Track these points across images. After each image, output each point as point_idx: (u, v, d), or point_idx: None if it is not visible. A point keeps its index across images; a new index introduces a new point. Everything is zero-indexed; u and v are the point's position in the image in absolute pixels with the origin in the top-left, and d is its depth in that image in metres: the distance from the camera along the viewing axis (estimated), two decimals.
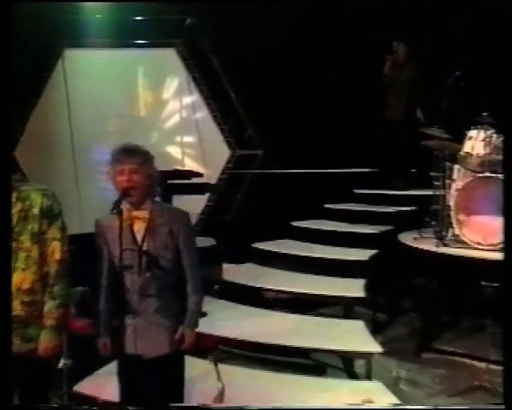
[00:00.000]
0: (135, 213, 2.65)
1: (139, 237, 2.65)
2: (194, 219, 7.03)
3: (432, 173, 5.28)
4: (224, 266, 5.26)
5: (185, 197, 5.54)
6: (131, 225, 2.65)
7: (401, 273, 4.82)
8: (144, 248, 2.64)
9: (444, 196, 4.94)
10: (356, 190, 6.44)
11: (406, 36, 6.20)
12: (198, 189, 5.81)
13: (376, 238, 5.24)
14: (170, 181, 5.75)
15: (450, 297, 4.66)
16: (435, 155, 5.22)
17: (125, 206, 2.64)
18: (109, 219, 2.63)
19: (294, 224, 5.93)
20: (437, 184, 5.21)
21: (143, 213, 2.65)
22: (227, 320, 4.32)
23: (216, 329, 4.07)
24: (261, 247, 5.52)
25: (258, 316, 4.39)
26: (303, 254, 5.15)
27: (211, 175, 7.00)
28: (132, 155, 2.63)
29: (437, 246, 4.49)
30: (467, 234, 4.42)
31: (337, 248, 5.27)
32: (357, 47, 6.49)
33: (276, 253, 5.32)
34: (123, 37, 6.79)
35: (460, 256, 4.26)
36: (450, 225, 4.74)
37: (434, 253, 4.43)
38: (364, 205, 6.10)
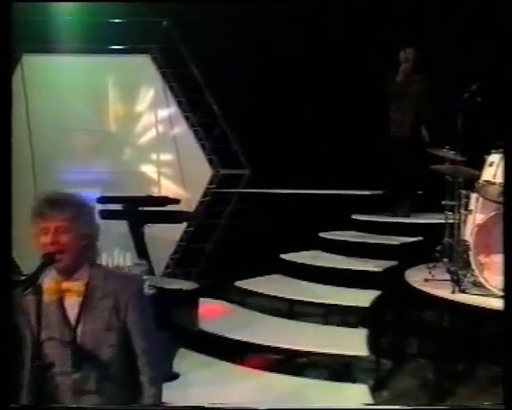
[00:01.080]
0: (65, 284, 2.02)
1: (72, 317, 2.04)
2: (171, 248, 6.48)
3: (444, 202, 4.74)
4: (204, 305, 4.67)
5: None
6: (61, 301, 2.03)
7: (410, 322, 4.24)
8: (79, 332, 2.02)
9: (458, 228, 4.39)
10: (354, 216, 5.87)
11: (416, 42, 5.63)
12: (174, 217, 5.24)
13: (378, 277, 4.65)
14: (142, 208, 5.19)
15: (467, 348, 4.08)
16: (447, 181, 4.69)
17: (51, 275, 2.02)
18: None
19: (284, 257, 5.33)
20: (449, 214, 4.67)
21: (77, 285, 2.03)
22: (204, 384, 3.69)
23: (188, 398, 3.44)
24: (248, 287, 4.90)
25: (242, 378, 3.77)
26: (294, 297, 4.54)
27: (191, 198, 6.43)
28: (59, 208, 1.99)
29: (453, 292, 3.91)
30: (489, 279, 3.84)
31: (333, 287, 4.68)
32: (355, 54, 6.06)
33: (266, 294, 4.70)
34: (91, 41, 6.18)
35: (480, 307, 3.67)
36: (469, 265, 4.17)
37: (450, 301, 3.84)
38: (364, 234, 5.51)
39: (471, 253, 3.94)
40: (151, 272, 4.84)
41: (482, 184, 4.09)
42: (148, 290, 3.54)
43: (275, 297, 4.60)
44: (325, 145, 6.43)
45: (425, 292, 4.06)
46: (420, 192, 6.05)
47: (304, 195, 6.49)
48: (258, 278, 5.20)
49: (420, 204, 6.01)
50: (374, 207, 6.09)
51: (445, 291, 3.98)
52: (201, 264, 6.39)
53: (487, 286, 3.86)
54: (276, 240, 5.79)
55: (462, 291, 3.93)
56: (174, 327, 4.15)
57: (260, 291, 4.74)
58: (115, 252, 3.78)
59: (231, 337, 4.07)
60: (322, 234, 5.63)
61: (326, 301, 4.41)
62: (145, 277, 3.76)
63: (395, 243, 5.03)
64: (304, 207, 6.26)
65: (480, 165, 4.44)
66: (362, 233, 5.58)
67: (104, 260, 3.74)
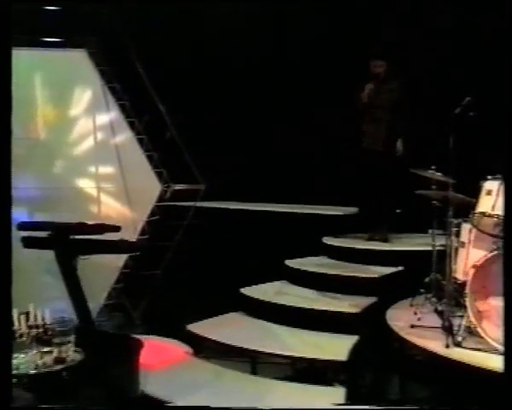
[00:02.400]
0: None
1: None
2: (114, 276, 5.83)
3: (430, 231, 4.29)
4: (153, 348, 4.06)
5: None
6: None
7: (393, 378, 3.75)
8: None
9: (448, 262, 3.94)
10: (326, 240, 5.36)
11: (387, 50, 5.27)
12: (113, 248, 4.53)
13: (356, 320, 4.14)
14: (74, 237, 4.47)
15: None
16: (435, 206, 4.24)
17: None
18: None
19: (244, 291, 4.77)
20: (436, 246, 4.23)
21: None
22: None
23: None
24: (202, 331, 4.31)
25: None
26: (254, 347, 3.97)
27: (136, 217, 5.78)
28: None
29: (447, 346, 3.44)
30: (488, 330, 3.38)
31: (301, 331, 4.15)
32: (321, 59, 5.72)
33: (223, 343, 4.11)
34: (15, 31, 5.41)
35: (480, 368, 3.21)
36: (459, 304, 3.74)
37: (444, 358, 3.36)
38: (337, 262, 5.01)
39: (467, 299, 3.47)
40: (84, 316, 4.14)
41: (479, 216, 3.65)
42: None
43: (233, 348, 4.02)
44: (292, 157, 5.95)
45: (413, 344, 3.58)
46: (398, 211, 5.64)
47: (267, 213, 5.96)
48: (215, 318, 4.63)
49: (399, 223, 5.63)
50: (347, 228, 5.63)
51: (437, 344, 3.51)
52: (150, 294, 5.76)
53: (486, 339, 3.41)
54: (235, 270, 5.25)
55: (457, 344, 3.48)
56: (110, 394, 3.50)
57: (216, 338, 4.16)
58: (30, 307, 3.12)
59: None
60: (288, 262, 5.10)
61: (291, 354, 3.88)
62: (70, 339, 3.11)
63: (374, 275, 4.53)
64: (267, 228, 5.73)
65: (472, 189, 4.03)
66: (334, 261, 5.08)
67: (15, 318, 3.07)
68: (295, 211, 5.81)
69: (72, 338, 3.20)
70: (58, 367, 3.01)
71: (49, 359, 3.01)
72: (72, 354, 3.12)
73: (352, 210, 5.64)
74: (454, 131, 3.67)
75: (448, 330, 3.58)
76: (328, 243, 5.30)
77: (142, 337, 5.26)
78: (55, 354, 3.04)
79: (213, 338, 4.16)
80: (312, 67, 5.94)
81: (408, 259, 4.73)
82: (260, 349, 3.91)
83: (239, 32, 5.88)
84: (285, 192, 6.12)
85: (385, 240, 5.24)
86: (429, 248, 4.55)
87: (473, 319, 3.43)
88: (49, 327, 3.20)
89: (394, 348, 3.84)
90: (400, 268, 4.69)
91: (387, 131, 5.25)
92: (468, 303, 3.47)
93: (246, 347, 3.97)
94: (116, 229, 4.63)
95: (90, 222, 4.51)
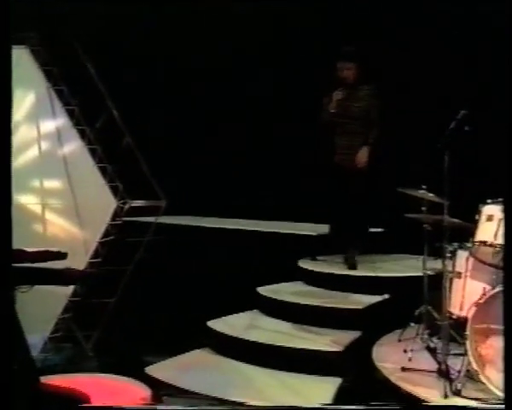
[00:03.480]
0: None
1: None
2: (61, 305, 5.31)
3: (420, 258, 3.99)
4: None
5: None
6: None
7: None
8: None
9: (441, 294, 3.64)
10: (301, 264, 5.00)
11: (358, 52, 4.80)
12: (57, 278, 4.07)
13: (338, 360, 3.79)
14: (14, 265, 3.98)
15: None
16: (426, 230, 3.93)
17: None
18: None
19: (212, 325, 4.37)
20: (428, 272, 3.93)
21: None
22: None
23: None
24: (161, 375, 3.88)
25: None
26: (225, 396, 3.56)
27: (88, 238, 5.28)
28: None
29: (446, 397, 3.12)
30: (492, 378, 3.08)
31: (276, 373, 3.78)
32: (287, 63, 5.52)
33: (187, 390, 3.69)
34: None
35: None
36: (460, 346, 3.44)
37: (439, 408, 3.05)
38: (314, 290, 4.65)
39: (468, 342, 3.16)
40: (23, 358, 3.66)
41: (478, 246, 3.35)
42: None
43: (199, 396, 3.60)
44: (262, 171, 5.64)
45: (407, 392, 3.24)
46: (381, 230, 5.36)
47: (236, 231, 5.58)
48: (178, 357, 4.21)
49: (383, 244, 5.35)
50: (326, 249, 5.29)
51: (433, 392, 3.19)
52: (104, 324, 5.28)
53: (490, 387, 3.11)
54: (200, 298, 4.85)
55: (457, 393, 3.16)
56: None
57: (179, 385, 3.73)
58: None
59: None
60: (260, 289, 4.72)
61: (266, 403, 3.49)
62: None
63: (357, 306, 4.20)
64: (237, 248, 5.36)
65: (467, 212, 3.75)
66: (312, 288, 4.72)
67: None
68: (268, 230, 5.47)
69: None
70: None
71: None
72: None
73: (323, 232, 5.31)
74: (449, 147, 3.38)
75: (445, 375, 3.27)
76: (305, 266, 4.94)
77: (94, 376, 4.84)
78: None
79: (176, 384, 3.74)
80: (277, 77, 5.75)
81: (394, 286, 4.44)
82: (231, 398, 3.51)
83: (199, 41, 5.75)
84: (255, 207, 5.80)
85: (353, 266, 4.76)
86: (417, 274, 4.28)
87: (475, 366, 3.12)
88: None
89: (383, 394, 3.51)
90: (386, 296, 4.39)
91: (361, 147, 4.75)
92: (468, 347, 3.16)
93: (214, 395, 3.56)
94: (62, 256, 4.16)
95: (30, 249, 4.01)
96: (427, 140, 3.89)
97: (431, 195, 3.82)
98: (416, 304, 4.04)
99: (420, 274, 4.25)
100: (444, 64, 4.92)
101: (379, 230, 5.29)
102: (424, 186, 3.85)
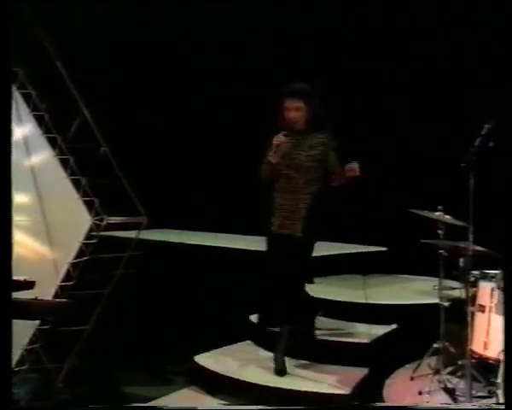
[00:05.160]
0: None
1: None
2: (28, 334, 4.89)
3: (436, 286, 3.68)
4: None
5: None
6: None
7: None
8: None
9: (461, 329, 3.34)
10: None
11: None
12: (22, 312, 3.68)
13: (346, 402, 3.45)
14: None
15: None
16: (442, 256, 3.62)
17: None
18: None
19: (198, 360, 4.01)
20: (445, 304, 3.62)
21: None
22: None
23: None
24: None
25: None
26: None
27: (59, 258, 4.86)
28: None
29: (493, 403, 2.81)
30: None
31: None
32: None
33: None
34: None
35: None
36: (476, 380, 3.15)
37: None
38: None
39: (499, 391, 2.85)
40: None
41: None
42: None
43: None
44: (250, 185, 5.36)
45: None
46: (384, 249, 5.07)
47: (223, 249, 5.23)
48: (163, 399, 3.82)
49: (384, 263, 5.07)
50: (319, 271, 4.97)
51: None
52: (76, 355, 4.87)
53: None
54: (185, 327, 4.50)
55: None
56: None
57: None
58: None
59: None
60: (253, 317, 4.36)
61: None
62: None
63: (363, 340, 3.87)
64: (224, 268, 5.01)
65: (485, 235, 3.46)
66: None
67: None
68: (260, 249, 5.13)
69: None
70: None
71: None
72: None
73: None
74: (474, 166, 3.06)
75: None
76: None
77: None
78: None
79: None
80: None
81: (403, 314, 4.14)
82: None
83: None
84: (246, 223, 5.47)
85: (281, 371, 3.68)
86: (428, 302, 4.00)
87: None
88: None
89: None
90: (393, 327, 4.07)
91: (310, 209, 3.72)
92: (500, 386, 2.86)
93: None
94: (29, 285, 3.78)
95: None
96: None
97: (448, 217, 3.52)
98: (427, 335, 3.76)
99: (431, 301, 3.99)
100: (460, 75, 4.66)
101: (382, 249, 5.00)
102: (440, 207, 3.57)
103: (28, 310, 3.70)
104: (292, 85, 3.83)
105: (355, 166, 3.64)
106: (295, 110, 3.76)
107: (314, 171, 3.75)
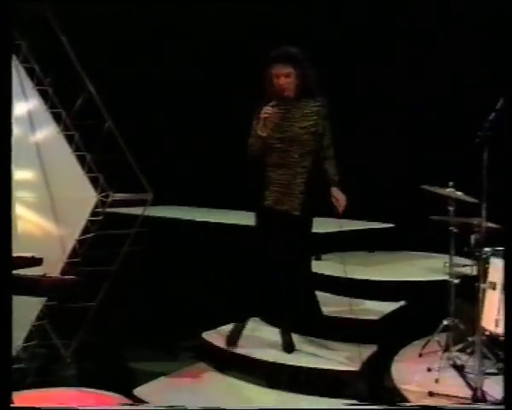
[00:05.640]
0: None
1: None
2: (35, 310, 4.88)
3: (446, 263, 3.63)
4: None
5: None
6: None
7: None
8: None
9: (471, 306, 3.31)
10: None
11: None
12: (31, 288, 3.65)
13: (354, 379, 3.43)
14: None
15: None
16: (452, 233, 3.57)
17: None
18: None
19: (206, 337, 3.98)
20: (455, 281, 3.58)
21: None
22: None
23: None
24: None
25: None
26: None
27: (65, 235, 4.82)
28: None
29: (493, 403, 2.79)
30: None
31: (286, 396, 3.40)
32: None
33: None
34: None
35: None
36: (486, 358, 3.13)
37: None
38: (320, 296, 4.26)
39: None
40: None
41: None
42: None
43: None
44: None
45: None
46: (390, 225, 5.02)
47: (230, 226, 5.18)
48: (171, 376, 3.80)
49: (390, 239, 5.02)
50: (326, 247, 4.93)
51: None
52: (83, 331, 4.86)
53: None
54: (193, 304, 4.48)
55: None
56: None
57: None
58: None
59: None
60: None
61: None
62: None
63: (373, 317, 3.84)
64: (231, 244, 4.97)
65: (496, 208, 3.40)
66: (318, 292, 4.34)
67: None
68: None
69: None
70: None
71: None
72: None
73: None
74: (488, 142, 2.99)
75: (480, 400, 2.94)
76: None
77: (76, 390, 4.45)
78: None
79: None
80: None
81: (410, 291, 4.10)
82: None
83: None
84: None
85: (289, 347, 3.63)
86: (435, 278, 3.96)
87: None
88: None
89: None
90: (402, 304, 4.04)
91: (307, 184, 3.47)
92: None
93: None
94: (37, 262, 3.74)
95: None
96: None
97: (459, 193, 3.46)
98: (434, 312, 3.73)
99: (440, 278, 3.95)
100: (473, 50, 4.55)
101: (389, 225, 4.94)
102: (451, 183, 3.50)
103: (37, 287, 3.65)
104: (279, 49, 3.47)
105: (340, 196, 3.43)
106: (285, 76, 3.40)
107: (310, 143, 3.46)
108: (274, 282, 3.51)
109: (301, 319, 3.63)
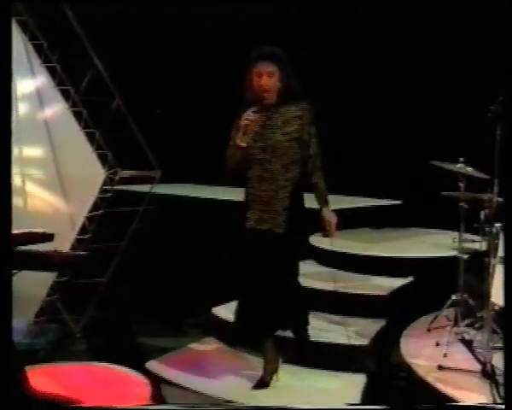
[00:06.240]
0: None
1: None
2: (46, 285, 4.89)
3: (455, 239, 3.62)
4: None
5: None
6: None
7: None
8: None
9: (480, 280, 3.30)
10: (313, 241, 4.60)
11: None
12: (43, 263, 3.65)
13: (363, 353, 3.44)
14: None
15: None
16: (462, 209, 3.55)
17: None
18: None
19: (217, 312, 3.99)
20: (464, 256, 3.56)
21: None
22: None
23: None
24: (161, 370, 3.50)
25: None
26: (243, 400, 3.20)
27: (74, 211, 4.81)
28: None
29: (494, 402, 2.78)
30: None
31: (300, 371, 3.42)
32: None
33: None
34: None
35: None
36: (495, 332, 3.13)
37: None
38: (328, 272, 4.26)
39: None
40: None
41: None
42: None
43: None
44: None
45: (448, 397, 2.90)
46: (398, 202, 4.99)
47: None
48: (182, 350, 3.81)
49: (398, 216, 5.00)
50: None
51: (480, 397, 2.85)
52: (92, 306, 4.88)
53: None
54: (203, 278, 4.48)
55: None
56: None
57: (185, 384, 3.35)
58: None
59: None
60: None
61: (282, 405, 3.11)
62: None
63: (381, 292, 3.83)
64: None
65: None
66: (326, 269, 4.34)
67: None
68: None
69: None
70: None
71: None
72: None
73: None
74: (502, 116, 2.95)
75: (491, 377, 2.94)
76: (317, 244, 4.55)
77: (86, 364, 4.46)
78: None
79: (182, 384, 3.36)
80: None
81: (419, 267, 4.09)
82: (250, 403, 3.14)
83: None
84: None
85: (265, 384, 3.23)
86: (443, 255, 3.95)
87: None
88: None
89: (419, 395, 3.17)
90: (410, 279, 4.04)
91: (291, 197, 3.07)
92: None
93: (230, 398, 3.19)
94: (48, 238, 3.74)
95: (14, 230, 3.54)
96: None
97: (470, 169, 3.43)
98: (443, 288, 3.72)
99: (446, 255, 3.94)
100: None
101: (397, 202, 4.92)
102: (462, 159, 3.47)
103: (49, 261, 3.66)
104: (262, 48, 3.10)
105: (333, 219, 3.10)
106: (268, 76, 3.03)
107: (292, 152, 3.07)
108: (259, 307, 3.11)
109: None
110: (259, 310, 3.08)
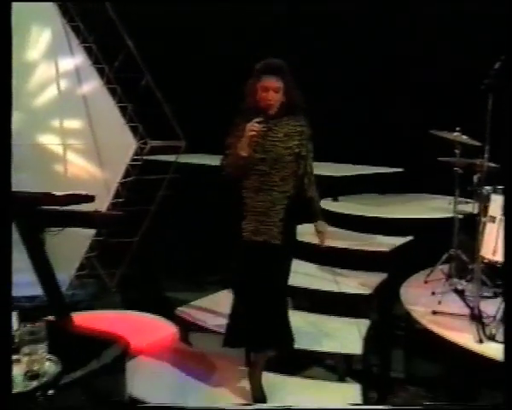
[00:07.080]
0: None
1: None
2: (85, 244, 5.15)
3: (451, 200, 3.79)
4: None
5: None
6: None
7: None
8: None
9: (472, 237, 3.48)
10: (323, 204, 4.79)
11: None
12: (84, 221, 3.87)
13: (367, 301, 3.66)
14: (41, 209, 3.79)
15: None
16: (456, 173, 3.71)
17: None
18: None
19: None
20: (459, 216, 3.74)
21: None
22: None
23: None
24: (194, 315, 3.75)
25: None
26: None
27: (108, 178, 5.05)
28: None
29: (480, 341, 2.99)
30: None
31: (307, 316, 3.65)
32: None
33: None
34: None
35: None
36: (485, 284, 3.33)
37: (477, 355, 2.92)
38: (336, 232, 4.46)
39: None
40: (52, 293, 3.48)
41: None
42: None
43: None
44: None
45: (440, 337, 3.12)
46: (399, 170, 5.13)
47: None
48: (205, 299, 4.06)
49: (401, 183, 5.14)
50: (343, 190, 5.09)
51: (467, 337, 3.06)
52: (127, 262, 5.15)
53: None
54: (224, 237, 4.68)
55: (492, 337, 3.04)
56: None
57: (212, 327, 3.61)
58: None
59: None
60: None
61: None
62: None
63: (384, 249, 4.03)
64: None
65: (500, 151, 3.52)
66: (334, 228, 4.49)
67: None
68: None
69: (44, 346, 2.58)
70: (30, 387, 2.41)
71: (18, 371, 2.39)
72: (45, 365, 2.51)
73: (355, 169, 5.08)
74: (493, 89, 3.09)
75: (478, 320, 3.14)
76: (326, 207, 4.73)
77: (120, 312, 4.74)
78: (24, 366, 2.43)
79: (210, 327, 3.61)
80: None
81: (418, 228, 4.27)
82: None
83: None
84: None
85: (260, 399, 3.02)
86: (440, 216, 4.12)
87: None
88: (16, 334, 2.57)
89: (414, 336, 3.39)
90: (410, 238, 4.22)
91: (287, 209, 2.89)
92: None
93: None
94: (90, 199, 3.96)
95: (58, 192, 3.78)
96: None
97: (465, 137, 3.58)
98: (439, 246, 3.90)
99: (442, 216, 4.11)
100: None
101: (399, 169, 5.07)
102: (458, 128, 3.62)
103: (90, 220, 3.89)
104: (268, 61, 2.93)
105: (326, 230, 3.03)
106: (274, 91, 2.87)
107: (292, 165, 2.93)
108: (251, 321, 2.97)
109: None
110: (250, 324, 2.95)
